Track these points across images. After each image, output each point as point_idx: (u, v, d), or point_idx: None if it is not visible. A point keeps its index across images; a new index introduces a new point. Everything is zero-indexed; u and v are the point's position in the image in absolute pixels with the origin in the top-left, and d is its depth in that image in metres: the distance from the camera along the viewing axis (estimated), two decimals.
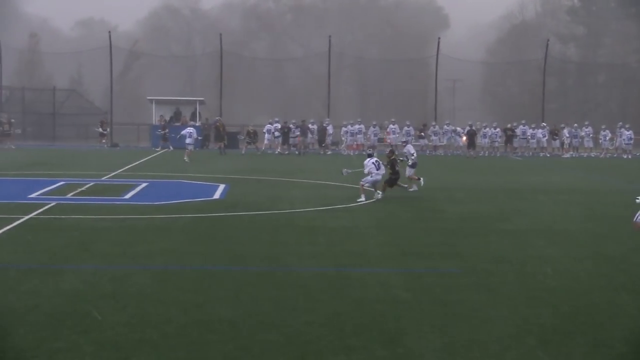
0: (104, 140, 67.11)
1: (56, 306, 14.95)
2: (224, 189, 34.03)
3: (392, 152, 32.95)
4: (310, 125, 65.11)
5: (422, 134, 67.28)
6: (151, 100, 70.49)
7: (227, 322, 14.13)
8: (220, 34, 74.51)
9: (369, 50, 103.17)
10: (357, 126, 65.84)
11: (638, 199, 18.26)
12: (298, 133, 63.15)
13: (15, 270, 17.88)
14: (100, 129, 67.12)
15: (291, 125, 63.86)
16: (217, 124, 62.66)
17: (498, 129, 66.62)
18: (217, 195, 31.85)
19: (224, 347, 12.89)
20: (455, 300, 15.78)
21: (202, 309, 14.93)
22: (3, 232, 22.58)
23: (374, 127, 66.26)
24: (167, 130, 64.27)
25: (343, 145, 65.51)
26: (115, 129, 73.05)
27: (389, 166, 31.38)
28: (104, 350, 12.59)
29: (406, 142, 38.14)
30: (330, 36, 75.18)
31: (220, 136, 61.20)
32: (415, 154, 34.74)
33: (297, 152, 61.92)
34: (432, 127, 67.57)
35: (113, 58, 73.51)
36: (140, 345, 12.87)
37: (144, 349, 12.68)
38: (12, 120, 66.41)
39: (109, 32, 74.55)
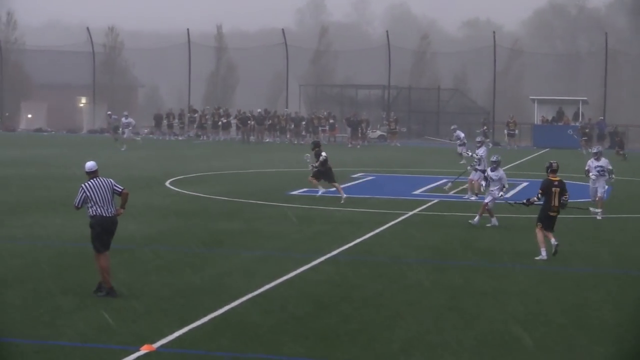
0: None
1: (437, 300, 15.37)
2: (607, 189, 33.24)
3: (317, 144, 30.76)
4: None
5: None
6: (533, 100, 70.14)
7: (608, 326, 13.89)
8: (606, 33, 72.73)
9: None
10: None
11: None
12: None
13: (400, 264, 18.55)
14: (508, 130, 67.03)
15: None
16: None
17: None
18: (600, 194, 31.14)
19: (605, 351, 12.69)
20: None
21: (582, 311, 14.77)
22: (389, 227, 23.49)
23: None
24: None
25: None
26: (497, 128, 73.35)
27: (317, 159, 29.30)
28: (483, 347, 12.78)
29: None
30: None
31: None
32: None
33: None
34: None
35: (497, 58, 73.89)
36: (518, 343, 12.95)
37: (522, 347, 12.75)
38: (394, 118, 68.40)
39: (493, 32, 75.03)
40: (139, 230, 21.97)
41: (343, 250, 19.91)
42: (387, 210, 26.68)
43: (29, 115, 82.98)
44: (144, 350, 12.08)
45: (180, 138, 67.17)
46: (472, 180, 29.57)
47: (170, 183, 32.32)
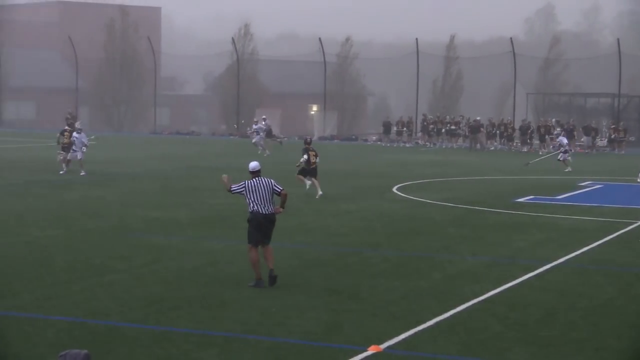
0: None
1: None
2: None
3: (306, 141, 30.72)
4: None
5: None
6: None
7: None
8: None
9: None
10: None
11: None
12: None
13: (629, 274, 18.27)
14: None
15: None
16: None
17: None
18: None
19: None
20: None
21: None
22: (617, 236, 23.05)
23: None
24: None
25: None
26: None
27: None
28: None
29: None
30: None
31: None
32: None
33: None
34: None
35: None
36: None
37: None
38: (610, 126, 66.58)
39: None
40: (366, 235, 22.50)
41: (570, 258, 19.73)
42: (615, 219, 26.18)
43: None
44: (371, 350, 12.37)
45: (407, 145, 67.83)
46: None
47: (398, 189, 32.74)
